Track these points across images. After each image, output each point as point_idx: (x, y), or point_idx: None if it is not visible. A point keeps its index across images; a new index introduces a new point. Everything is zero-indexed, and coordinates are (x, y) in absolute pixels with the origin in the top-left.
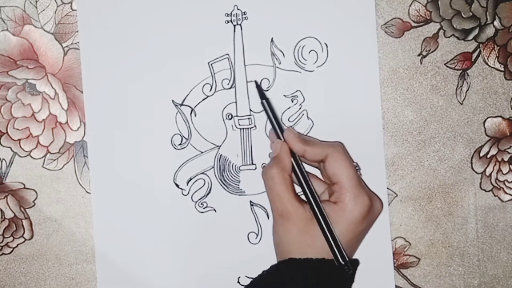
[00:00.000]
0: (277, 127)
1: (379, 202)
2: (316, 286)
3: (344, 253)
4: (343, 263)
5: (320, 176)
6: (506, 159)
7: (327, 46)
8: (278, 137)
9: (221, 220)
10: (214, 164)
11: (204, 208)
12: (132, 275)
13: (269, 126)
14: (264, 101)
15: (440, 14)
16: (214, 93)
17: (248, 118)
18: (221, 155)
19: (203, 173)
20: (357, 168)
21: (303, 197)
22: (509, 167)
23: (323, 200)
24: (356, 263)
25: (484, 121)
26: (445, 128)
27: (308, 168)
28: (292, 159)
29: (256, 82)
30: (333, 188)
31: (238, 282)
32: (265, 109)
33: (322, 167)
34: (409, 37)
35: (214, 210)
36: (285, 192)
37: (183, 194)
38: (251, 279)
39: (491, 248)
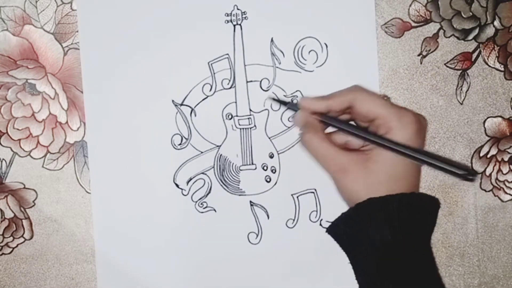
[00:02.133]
0: (292, 106)
1: (423, 117)
2: (399, 224)
3: (460, 164)
4: (465, 172)
5: None
6: (506, 159)
7: (327, 46)
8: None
9: (221, 220)
10: (214, 164)
11: (204, 208)
12: (132, 275)
13: (269, 126)
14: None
15: (440, 14)
16: (214, 93)
17: (248, 118)
18: (221, 155)
19: (203, 173)
20: (385, 98)
21: None
22: (509, 167)
23: None
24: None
25: (484, 121)
26: (445, 128)
27: None
28: (321, 117)
29: (274, 94)
30: (375, 125)
31: (320, 225)
32: (276, 101)
33: (353, 113)
34: (409, 37)
35: (214, 210)
36: (328, 148)
37: (183, 194)
38: None
39: (491, 248)
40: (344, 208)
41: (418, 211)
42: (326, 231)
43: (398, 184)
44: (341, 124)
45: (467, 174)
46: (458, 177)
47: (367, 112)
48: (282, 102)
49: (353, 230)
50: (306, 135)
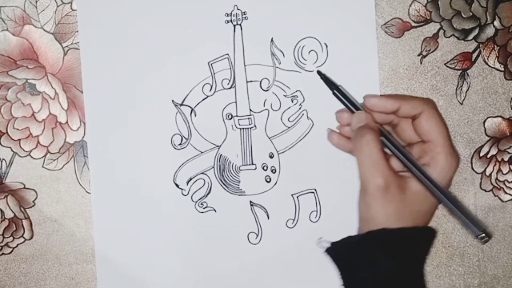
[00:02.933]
0: (350, 105)
1: (459, 157)
2: (408, 257)
3: (477, 224)
4: (482, 234)
5: None
6: (506, 159)
7: (327, 46)
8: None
9: (221, 220)
10: (214, 164)
11: (204, 208)
12: (132, 275)
13: (269, 126)
14: (336, 89)
15: (440, 14)
16: (214, 93)
17: (248, 118)
18: (221, 155)
19: (203, 173)
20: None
21: None
22: (509, 167)
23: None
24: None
25: (484, 121)
26: None
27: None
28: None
29: (319, 72)
30: (424, 148)
31: (318, 244)
32: (340, 97)
33: (414, 125)
34: (409, 37)
35: (214, 210)
36: (384, 159)
37: (183, 194)
38: None
39: (491, 248)
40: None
41: (424, 246)
42: (326, 251)
43: (421, 218)
44: (393, 145)
45: (483, 235)
46: (473, 235)
47: (426, 131)
48: (344, 100)
49: (359, 256)
50: (366, 136)
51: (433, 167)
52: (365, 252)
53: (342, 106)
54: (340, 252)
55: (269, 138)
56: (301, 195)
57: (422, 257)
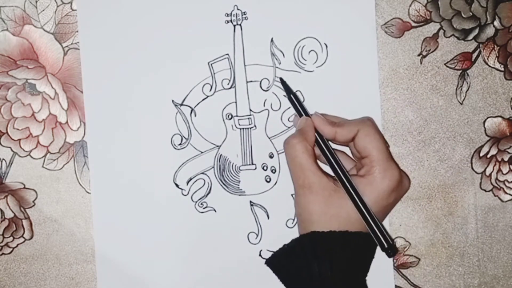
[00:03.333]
0: (301, 111)
1: (407, 179)
2: (340, 260)
3: (388, 237)
4: (386, 246)
5: (348, 153)
6: (506, 159)
7: (327, 47)
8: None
9: (221, 220)
10: (214, 164)
11: (204, 208)
12: (132, 275)
13: (269, 126)
14: (291, 95)
15: (440, 14)
16: (214, 93)
17: (248, 118)
18: (221, 155)
19: (203, 173)
20: (386, 145)
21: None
22: (509, 167)
23: (351, 174)
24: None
25: (484, 121)
26: (445, 128)
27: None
28: (317, 135)
29: (281, 78)
30: (362, 162)
31: (260, 255)
32: (293, 103)
33: (351, 143)
34: (409, 37)
35: (214, 210)
36: (307, 161)
37: (183, 194)
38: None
39: (491, 248)
40: None
41: (359, 250)
42: (266, 263)
43: (351, 226)
44: (327, 149)
45: (388, 249)
46: (381, 248)
47: (363, 148)
48: (295, 104)
49: (294, 262)
50: (293, 139)
51: (366, 179)
52: (299, 257)
53: (343, 110)
54: (277, 260)
55: (269, 138)
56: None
57: (358, 262)
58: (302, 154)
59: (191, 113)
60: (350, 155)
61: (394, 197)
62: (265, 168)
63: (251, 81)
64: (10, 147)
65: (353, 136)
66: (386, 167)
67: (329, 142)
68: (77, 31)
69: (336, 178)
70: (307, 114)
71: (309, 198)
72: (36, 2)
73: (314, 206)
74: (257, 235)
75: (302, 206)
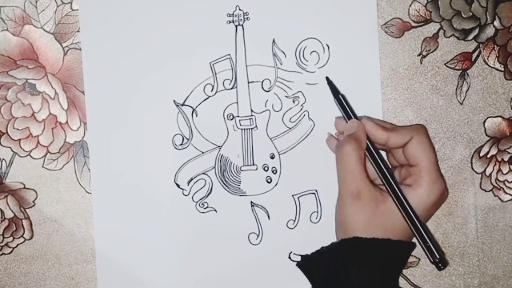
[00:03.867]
0: (351, 115)
1: (447, 190)
2: (380, 266)
3: (437, 250)
4: (437, 259)
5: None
6: (506, 159)
7: (328, 47)
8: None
9: (221, 220)
10: (215, 165)
11: (204, 208)
12: (132, 275)
13: (270, 127)
14: (340, 96)
15: (440, 14)
16: (215, 93)
17: (249, 119)
18: (222, 155)
19: (204, 173)
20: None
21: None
22: (509, 167)
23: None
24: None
25: (484, 121)
26: (445, 128)
27: None
28: (368, 141)
29: (327, 78)
30: (410, 170)
31: (289, 258)
32: (341, 104)
33: (397, 149)
34: (409, 37)
35: (215, 210)
36: (360, 170)
37: (184, 194)
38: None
39: (491, 248)
40: None
41: (398, 258)
42: (297, 265)
43: (396, 234)
44: (378, 157)
45: (439, 262)
46: (431, 260)
47: (413, 156)
48: (345, 107)
49: (331, 265)
50: (348, 146)
51: (414, 189)
52: (338, 260)
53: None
54: (312, 262)
55: (270, 138)
56: (302, 196)
57: (395, 270)
58: (356, 162)
59: (192, 113)
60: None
61: (436, 209)
62: (266, 168)
63: (252, 82)
64: (10, 147)
65: (405, 143)
66: (435, 179)
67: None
68: (77, 31)
69: (384, 186)
70: (356, 117)
71: (357, 207)
72: (36, 2)
73: (361, 216)
74: (258, 236)
75: (349, 214)
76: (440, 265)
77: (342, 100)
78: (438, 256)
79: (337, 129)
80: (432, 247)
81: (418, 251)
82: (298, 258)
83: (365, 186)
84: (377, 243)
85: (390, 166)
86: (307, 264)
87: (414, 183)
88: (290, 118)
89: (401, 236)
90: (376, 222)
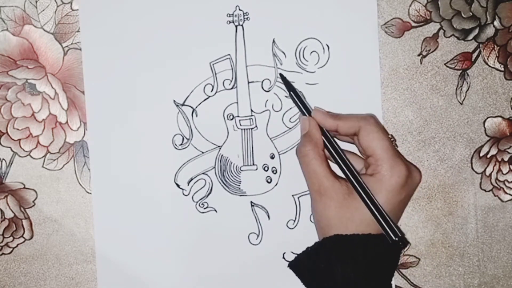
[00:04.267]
0: (302, 108)
1: (417, 172)
2: (363, 263)
3: (396, 229)
4: (396, 239)
5: (357, 152)
6: (506, 159)
7: (328, 47)
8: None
9: (221, 220)
10: (215, 165)
11: (204, 208)
12: (132, 275)
13: (270, 127)
14: (291, 92)
15: (440, 14)
16: (215, 93)
17: (249, 119)
18: (222, 155)
19: (204, 173)
20: (392, 140)
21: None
22: (509, 167)
23: (360, 174)
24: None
25: (484, 121)
26: (445, 128)
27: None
28: (323, 137)
29: (281, 75)
30: (368, 161)
31: (283, 257)
32: (293, 100)
33: (356, 141)
34: (409, 37)
35: (215, 210)
36: (320, 167)
37: (184, 194)
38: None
39: (491, 248)
40: None
41: (382, 253)
42: (288, 266)
43: (368, 227)
44: (334, 150)
45: (399, 241)
46: (390, 240)
47: (366, 146)
48: (296, 101)
49: (316, 265)
50: (305, 147)
51: (374, 177)
52: (322, 260)
53: (344, 111)
54: (300, 263)
55: (270, 138)
56: (302, 195)
57: (382, 266)
58: (315, 161)
59: (192, 113)
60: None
61: (406, 192)
62: (266, 168)
63: (252, 82)
64: (10, 147)
65: (355, 132)
66: (392, 164)
67: (336, 140)
68: (77, 31)
69: (344, 175)
70: (308, 110)
71: (325, 204)
72: (36, 2)
73: (330, 211)
74: (258, 236)
75: (319, 211)
76: (400, 243)
77: (294, 95)
78: (399, 235)
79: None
80: (391, 226)
81: (418, 250)
82: (289, 259)
83: (328, 182)
84: (357, 239)
85: (346, 156)
86: (296, 264)
87: (374, 172)
88: (290, 118)
89: (375, 229)
90: (346, 216)
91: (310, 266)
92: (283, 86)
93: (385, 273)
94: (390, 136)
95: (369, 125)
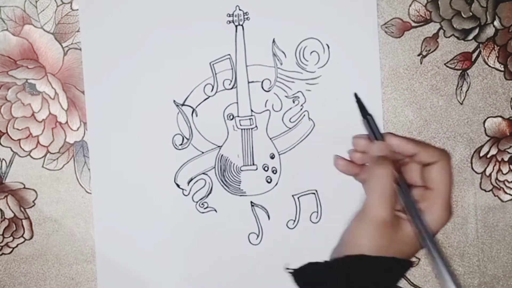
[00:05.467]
0: (375, 133)
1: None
2: (381, 284)
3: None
4: None
5: None
6: (506, 159)
7: (328, 47)
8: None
9: (221, 220)
10: (215, 165)
11: (204, 208)
12: (132, 275)
13: (270, 127)
14: (368, 116)
15: (440, 14)
16: (215, 93)
17: (249, 119)
18: (222, 155)
19: (204, 173)
20: None
21: None
22: (509, 167)
23: None
24: None
25: (484, 121)
26: (445, 128)
27: None
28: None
29: (356, 94)
30: (424, 194)
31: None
32: (370, 125)
33: (418, 169)
34: (409, 37)
35: (215, 210)
36: (391, 195)
37: (184, 194)
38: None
39: (491, 248)
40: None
41: (394, 273)
42: (291, 273)
43: (401, 255)
44: (405, 197)
45: None
46: None
47: (435, 180)
48: (372, 128)
49: (333, 281)
50: (383, 167)
51: (427, 215)
52: (342, 276)
53: (345, 111)
54: (306, 275)
55: (270, 138)
56: (302, 196)
57: (393, 285)
58: (390, 187)
59: (192, 113)
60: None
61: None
62: (266, 168)
63: (252, 82)
64: (10, 147)
65: (431, 162)
66: (447, 207)
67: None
68: (77, 31)
69: (406, 213)
70: (382, 137)
71: (379, 233)
72: (36, 2)
73: (380, 241)
74: (258, 236)
75: (369, 237)
76: None
77: (371, 121)
78: None
79: (355, 147)
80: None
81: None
82: (291, 271)
83: (391, 213)
84: (381, 262)
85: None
86: (299, 275)
87: (428, 208)
88: (290, 118)
89: (403, 256)
90: (391, 248)
91: (323, 280)
92: (283, 86)
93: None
94: None
95: (446, 161)
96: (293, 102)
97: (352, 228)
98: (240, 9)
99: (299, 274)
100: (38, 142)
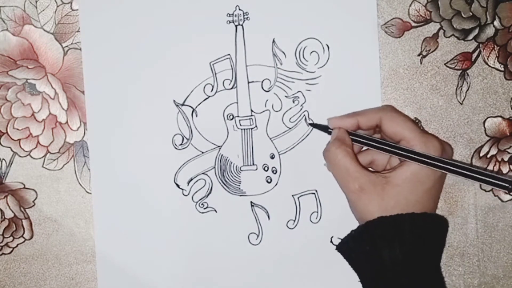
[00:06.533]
0: (323, 128)
1: (449, 145)
2: (410, 242)
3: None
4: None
5: None
6: (506, 159)
7: (328, 47)
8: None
9: (221, 220)
10: (215, 165)
11: (204, 208)
12: (132, 275)
13: (270, 127)
14: (309, 125)
15: (440, 14)
16: (215, 93)
17: (249, 119)
18: (222, 155)
19: (204, 173)
20: (417, 121)
21: None
22: (509, 167)
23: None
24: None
25: (484, 121)
26: (445, 128)
27: None
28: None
29: (311, 121)
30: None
31: (331, 241)
32: (317, 127)
33: (382, 133)
34: (409, 37)
35: (215, 210)
36: (351, 164)
37: (183, 194)
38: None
39: (491, 248)
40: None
41: (429, 232)
42: (336, 249)
43: (413, 208)
44: (370, 140)
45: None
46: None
47: (394, 133)
48: (318, 127)
49: (363, 248)
50: (331, 147)
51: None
52: (368, 241)
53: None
54: (346, 246)
55: (270, 138)
56: (302, 196)
57: (429, 245)
58: (345, 158)
59: (192, 113)
60: None
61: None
62: (266, 168)
63: (252, 82)
64: (10, 147)
65: (377, 123)
66: (424, 140)
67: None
68: (77, 31)
69: (395, 154)
70: (327, 127)
71: (365, 200)
72: (36, 2)
73: (373, 206)
74: (258, 236)
75: (361, 209)
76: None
77: (314, 125)
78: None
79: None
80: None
81: None
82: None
83: (363, 176)
84: (401, 219)
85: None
86: (343, 247)
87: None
88: (290, 118)
89: (421, 211)
90: (390, 204)
91: (355, 248)
92: (283, 86)
93: (433, 253)
94: (414, 118)
95: (389, 112)
96: (293, 102)
97: (351, 210)
98: (240, 9)
99: (340, 247)
100: (38, 142)
